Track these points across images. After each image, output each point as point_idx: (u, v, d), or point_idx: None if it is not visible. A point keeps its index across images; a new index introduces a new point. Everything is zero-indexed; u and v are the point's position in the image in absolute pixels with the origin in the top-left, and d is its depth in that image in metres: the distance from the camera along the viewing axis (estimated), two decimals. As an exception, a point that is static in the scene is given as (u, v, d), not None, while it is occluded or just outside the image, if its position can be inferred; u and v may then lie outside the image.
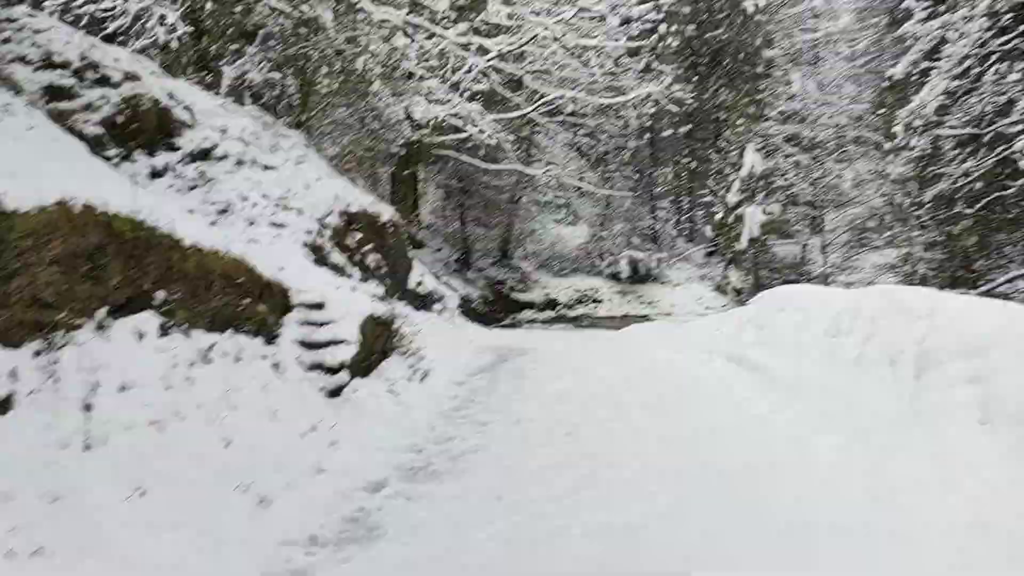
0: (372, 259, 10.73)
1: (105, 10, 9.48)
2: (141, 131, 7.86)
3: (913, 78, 12.33)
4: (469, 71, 14.65)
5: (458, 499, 3.93)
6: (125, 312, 4.57)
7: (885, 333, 5.43)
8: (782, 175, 23.08)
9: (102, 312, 4.27)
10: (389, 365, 7.17)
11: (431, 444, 5.09)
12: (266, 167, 9.00)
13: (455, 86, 14.64)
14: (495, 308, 24.77)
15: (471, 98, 14.64)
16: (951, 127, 10.70)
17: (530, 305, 26.17)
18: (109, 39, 11.57)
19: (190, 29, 10.92)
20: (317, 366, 6.12)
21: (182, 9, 9.95)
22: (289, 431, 4.67)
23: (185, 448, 3.89)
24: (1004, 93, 10.06)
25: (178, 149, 8.08)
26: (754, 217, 21.36)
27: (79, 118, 7.31)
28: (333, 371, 6.10)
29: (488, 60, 14.83)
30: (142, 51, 11.79)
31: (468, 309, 20.64)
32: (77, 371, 3.78)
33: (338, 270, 8.79)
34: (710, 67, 28.63)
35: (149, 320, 4.62)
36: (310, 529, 3.56)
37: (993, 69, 10.05)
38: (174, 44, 10.62)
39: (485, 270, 26.68)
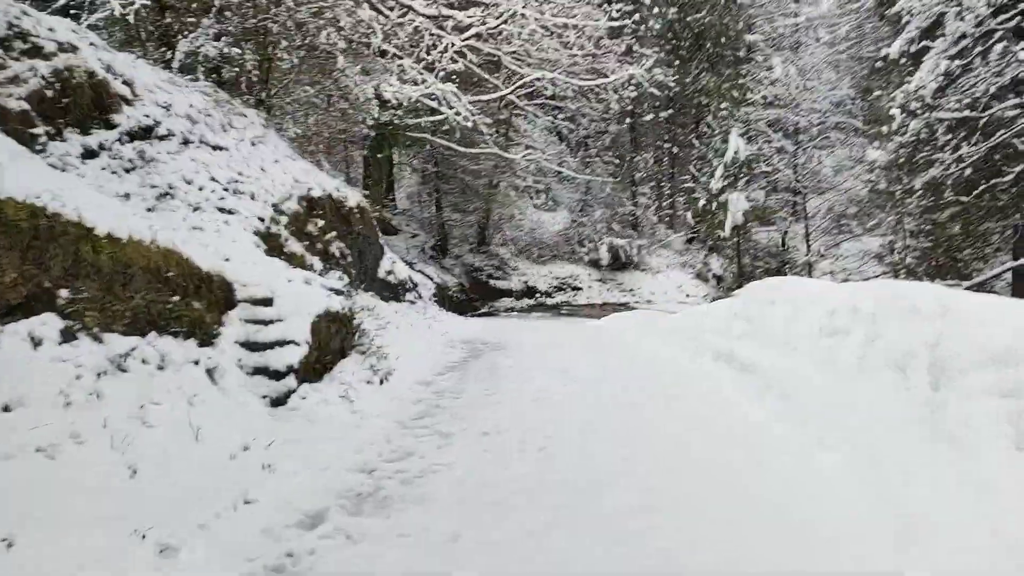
0: (336, 247, 10.06)
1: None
2: (73, 107, 7.10)
3: (903, 60, 11.83)
4: (445, 51, 13.92)
5: (407, 538, 3.31)
6: (20, 315, 3.89)
7: (890, 335, 4.88)
8: (765, 161, 22.59)
9: (-14, 316, 3.61)
10: (346, 366, 6.53)
11: (384, 463, 4.46)
12: (216, 148, 8.27)
13: (429, 67, 13.89)
14: (472, 296, 24.20)
15: (446, 79, 13.89)
16: (948, 110, 10.18)
17: (508, 293, 25.64)
18: (63, 12, 10.72)
19: (147, 2, 10.10)
20: (261, 370, 5.47)
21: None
22: (215, 453, 4.00)
23: (78, 481, 3.24)
24: (1003, 74, 9.55)
25: (115, 127, 7.32)
26: (737, 204, 20.87)
27: (1, 92, 6.57)
28: (279, 376, 5.45)
29: (464, 39, 14.10)
30: (96, 27, 10.95)
31: (444, 297, 20.02)
32: (-56, 389, 3.12)
33: (295, 260, 8.10)
34: (691, 51, 28.07)
35: (49, 323, 3.94)
36: (220, 585, 2.92)
37: (993, 49, 9.54)
38: (131, 18, 9.82)
39: (462, 257, 26.06)
